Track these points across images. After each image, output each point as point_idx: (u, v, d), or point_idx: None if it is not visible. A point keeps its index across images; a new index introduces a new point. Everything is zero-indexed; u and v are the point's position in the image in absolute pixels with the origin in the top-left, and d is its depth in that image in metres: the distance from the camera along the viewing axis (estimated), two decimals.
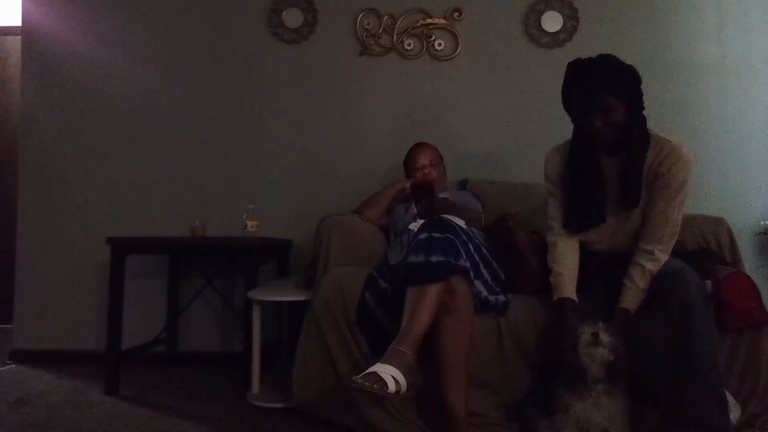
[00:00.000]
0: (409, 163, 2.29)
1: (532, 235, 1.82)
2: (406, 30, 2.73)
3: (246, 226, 2.37)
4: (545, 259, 1.72)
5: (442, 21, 2.72)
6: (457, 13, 2.72)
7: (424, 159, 2.25)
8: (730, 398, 1.47)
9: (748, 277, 1.66)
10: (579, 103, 1.55)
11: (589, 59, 1.54)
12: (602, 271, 1.67)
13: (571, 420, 1.41)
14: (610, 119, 1.51)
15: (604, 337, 1.40)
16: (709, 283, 1.57)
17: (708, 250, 1.84)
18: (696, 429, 1.35)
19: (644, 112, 1.59)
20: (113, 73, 2.78)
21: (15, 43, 3.44)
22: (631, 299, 1.52)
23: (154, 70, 2.78)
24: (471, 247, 1.66)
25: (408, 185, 2.15)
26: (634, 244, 1.59)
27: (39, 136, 2.78)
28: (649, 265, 1.52)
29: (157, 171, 2.75)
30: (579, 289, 1.64)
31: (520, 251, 1.75)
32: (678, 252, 1.64)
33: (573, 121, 1.66)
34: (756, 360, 1.60)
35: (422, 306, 1.48)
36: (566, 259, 1.66)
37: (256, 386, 2.02)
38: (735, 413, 1.48)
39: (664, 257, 1.53)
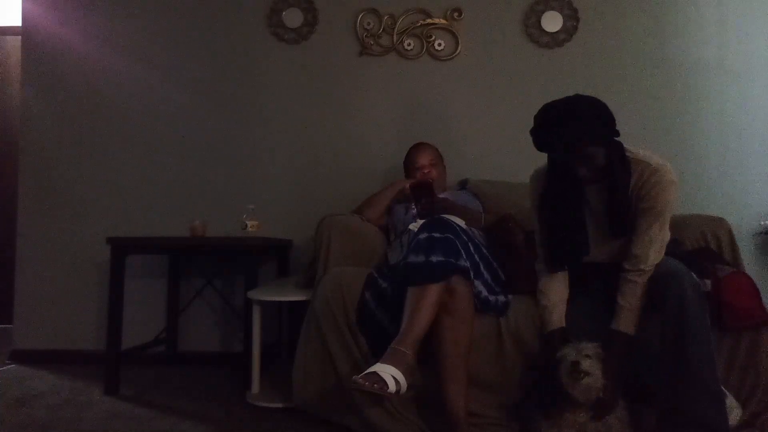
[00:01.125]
0: (409, 163, 2.30)
1: (533, 235, 1.82)
2: (406, 30, 2.73)
3: (246, 226, 2.37)
4: None
5: (442, 21, 2.73)
6: (457, 13, 2.72)
7: (423, 159, 2.25)
8: (731, 398, 1.48)
9: (748, 277, 1.66)
10: (558, 153, 1.51)
11: (558, 108, 1.45)
12: (599, 276, 1.66)
13: (569, 423, 1.41)
14: (593, 165, 1.48)
15: (586, 365, 1.38)
16: (708, 282, 1.58)
17: (708, 249, 1.84)
18: (694, 429, 1.35)
19: (619, 139, 1.53)
20: (113, 72, 2.78)
21: (15, 43, 3.44)
22: (626, 321, 1.49)
23: (154, 70, 2.78)
24: (471, 247, 1.66)
25: (408, 186, 2.15)
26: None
27: (39, 136, 2.78)
28: (641, 280, 1.50)
29: (157, 171, 2.75)
30: (577, 295, 1.65)
31: (520, 251, 1.75)
32: (677, 251, 1.64)
33: (549, 158, 1.59)
34: (756, 359, 1.60)
35: (422, 306, 1.48)
36: (550, 291, 1.63)
37: (256, 386, 2.02)
38: (736, 413, 1.48)
39: (649, 274, 1.51)
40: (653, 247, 1.50)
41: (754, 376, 1.60)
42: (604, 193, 1.55)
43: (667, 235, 1.54)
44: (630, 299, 1.50)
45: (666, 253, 1.57)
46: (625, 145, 1.55)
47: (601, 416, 1.42)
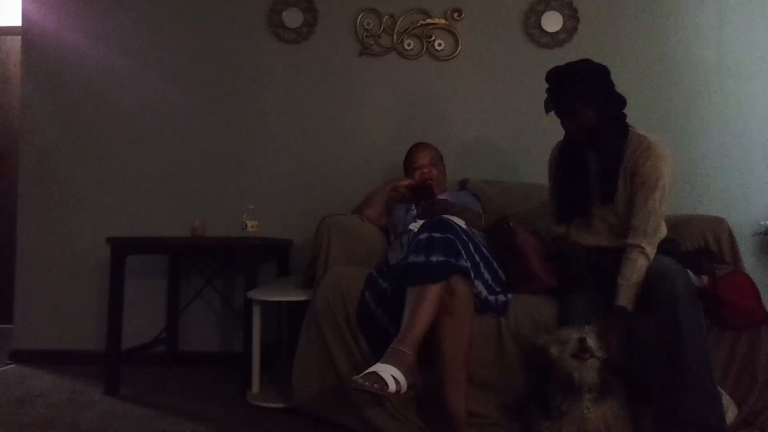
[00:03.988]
0: (409, 163, 2.29)
1: (534, 235, 1.82)
2: (406, 30, 2.73)
3: (246, 226, 2.37)
4: (546, 259, 1.73)
5: (442, 21, 2.72)
6: (457, 13, 2.72)
7: (423, 159, 2.24)
8: (726, 397, 1.48)
9: (748, 276, 1.67)
10: (551, 108, 1.68)
11: (560, 68, 1.64)
12: (592, 269, 1.69)
13: (569, 423, 1.41)
14: (580, 122, 1.62)
15: (592, 343, 1.39)
16: (705, 277, 1.59)
17: (707, 249, 1.84)
18: (691, 428, 1.35)
19: (624, 111, 1.67)
20: (113, 72, 2.78)
21: (15, 43, 3.43)
22: (624, 295, 1.53)
23: (154, 69, 2.78)
24: (471, 247, 1.66)
25: (402, 184, 2.16)
26: (618, 239, 1.63)
27: (39, 136, 2.78)
28: (640, 260, 1.54)
29: (157, 171, 2.75)
30: (569, 289, 1.67)
31: (521, 251, 1.75)
32: (674, 250, 1.64)
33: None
34: (754, 358, 1.60)
35: (422, 306, 1.48)
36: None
37: (256, 386, 2.02)
38: (731, 412, 1.49)
39: (651, 250, 1.56)
40: (651, 221, 1.56)
41: (751, 375, 1.60)
42: (597, 162, 1.66)
43: (663, 214, 1.58)
44: (628, 277, 1.53)
45: (664, 252, 1.57)
46: (632, 125, 1.66)
47: (609, 385, 1.42)
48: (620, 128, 1.64)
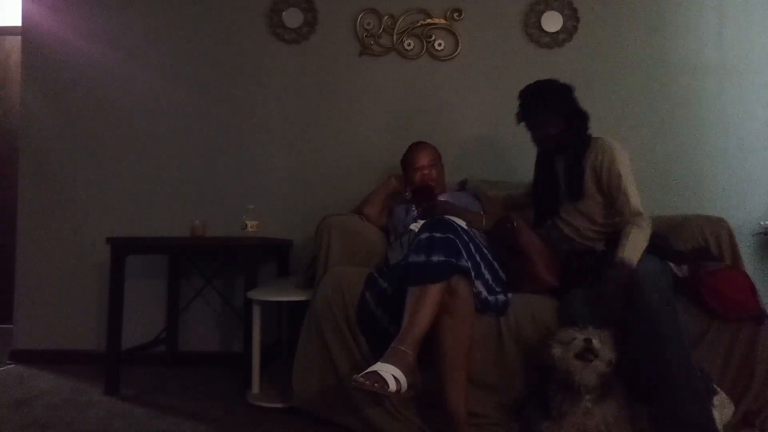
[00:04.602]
0: (408, 163, 2.28)
1: (536, 235, 1.82)
2: (406, 30, 2.73)
3: (246, 226, 2.37)
4: (549, 259, 1.75)
5: (442, 21, 2.73)
6: (457, 13, 2.72)
7: (422, 159, 2.23)
8: (722, 395, 1.49)
9: (744, 273, 1.68)
10: (525, 119, 1.92)
11: (531, 85, 1.89)
12: (586, 270, 1.71)
13: (568, 424, 1.41)
14: (548, 132, 1.84)
15: (597, 344, 1.40)
16: (685, 267, 1.67)
17: (706, 249, 1.84)
18: (682, 428, 1.38)
19: (588, 123, 1.87)
20: (113, 72, 2.78)
21: (15, 43, 3.43)
22: (627, 249, 1.60)
23: (154, 69, 2.78)
24: (472, 248, 1.66)
25: (395, 180, 2.22)
26: (586, 240, 1.81)
27: (39, 136, 2.78)
28: (633, 230, 1.65)
29: (157, 171, 2.75)
30: (571, 285, 1.70)
31: (524, 251, 1.75)
32: (661, 244, 1.69)
33: None
34: (752, 358, 1.61)
35: (423, 306, 1.48)
36: None
37: (256, 386, 2.02)
38: (728, 410, 1.49)
39: (641, 221, 1.69)
40: (631, 201, 1.72)
41: (750, 374, 1.61)
42: (564, 163, 1.87)
43: (637, 192, 1.75)
44: (631, 238, 1.62)
45: (651, 244, 1.65)
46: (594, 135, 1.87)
47: (608, 388, 1.43)
48: (583, 137, 1.85)
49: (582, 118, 1.85)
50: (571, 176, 1.82)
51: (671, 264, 1.66)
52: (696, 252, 1.80)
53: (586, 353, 1.39)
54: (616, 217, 1.76)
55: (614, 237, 1.70)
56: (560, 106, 1.82)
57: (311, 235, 2.10)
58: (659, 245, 1.68)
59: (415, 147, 2.29)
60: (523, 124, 1.94)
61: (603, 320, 1.50)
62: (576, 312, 1.57)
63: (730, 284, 1.63)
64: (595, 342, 1.40)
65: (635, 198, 1.74)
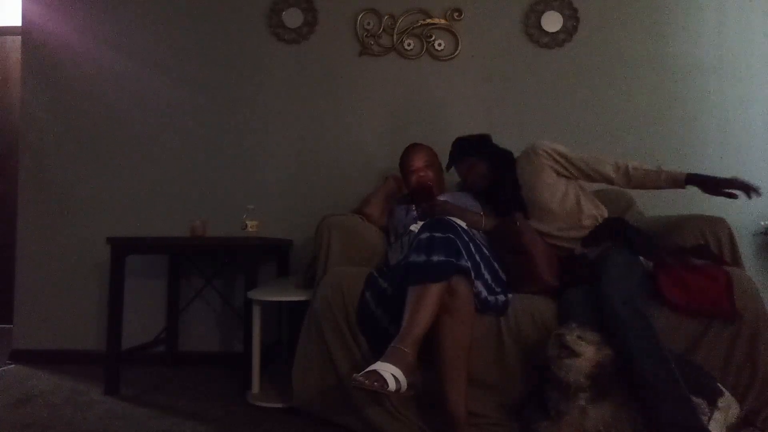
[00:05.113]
0: (404, 166, 2.27)
1: (539, 235, 1.83)
2: (406, 30, 2.73)
3: (246, 226, 2.37)
4: (550, 259, 1.76)
5: (442, 21, 2.73)
6: (457, 13, 2.72)
7: (418, 161, 2.22)
8: (728, 396, 1.48)
9: (726, 272, 1.67)
10: (454, 165, 2.17)
11: (459, 138, 2.17)
12: (584, 269, 1.72)
13: (567, 424, 1.41)
14: (477, 171, 2.06)
15: (570, 340, 1.40)
16: (649, 263, 1.71)
17: (706, 246, 1.84)
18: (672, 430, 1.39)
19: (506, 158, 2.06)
20: (113, 72, 2.78)
21: (15, 43, 3.44)
22: (660, 170, 1.82)
23: (154, 69, 2.78)
24: (472, 248, 1.66)
25: (393, 181, 2.23)
26: (572, 239, 1.89)
27: (39, 136, 2.78)
28: (631, 163, 1.83)
29: (157, 171, 2.75)
30: (569, 286, 1.71)
31: (526, 251, 1.75)
32: (630, 235, 1.75)
33: None
34: (753, 357, 1.61)
35: (423, 305, 1.48)
36: None
37: (256, 386, 2.02)
38: (734, 411, 1.49)
39: (622, 163, 1.85)
40: (599, 162, 1.88)
41: (751, 373, 1.61)
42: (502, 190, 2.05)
43: (587, 155, 1.91)
44: (644, 166, 1.83)
45: (612, 229, 1.78)
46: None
47: (603, 390, 1.43)
48: (509, 166, 2.02)
49: (505, 154, 2.07)
50: (511, 197, 1.96)
51: (642, 259, 1.71)
52: (695, 249, 1.80)
53: (561, 350, 1.40)
54: (613, 183, 1.89)
55: (588, 239, 1.83)
56: (482, 150, 2.08)
57: (311, 235, 2.10)
58: (635, 240, 1.72)
59: (410, 149, 2.27)
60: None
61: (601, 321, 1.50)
62: (575, 312, 1.57)
63: (702, 281, 1.63)
64: (569, 338, 1.39)
65: (597, 159, 1.88)
